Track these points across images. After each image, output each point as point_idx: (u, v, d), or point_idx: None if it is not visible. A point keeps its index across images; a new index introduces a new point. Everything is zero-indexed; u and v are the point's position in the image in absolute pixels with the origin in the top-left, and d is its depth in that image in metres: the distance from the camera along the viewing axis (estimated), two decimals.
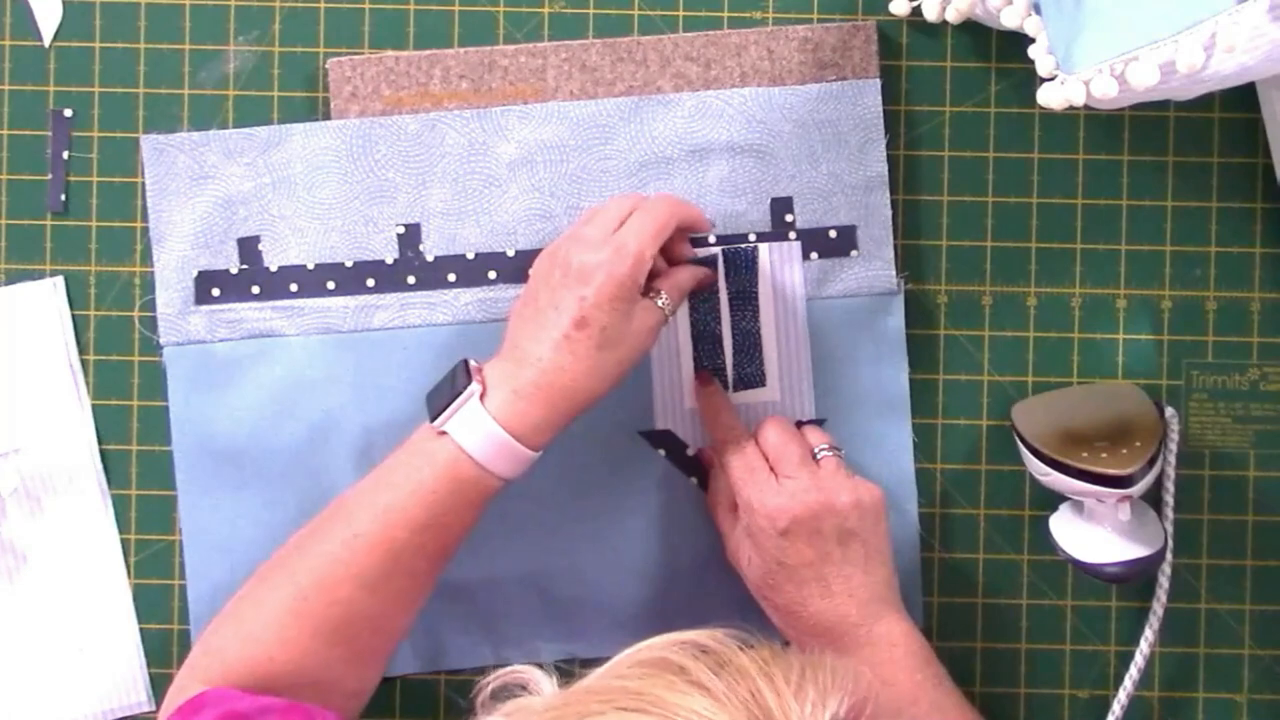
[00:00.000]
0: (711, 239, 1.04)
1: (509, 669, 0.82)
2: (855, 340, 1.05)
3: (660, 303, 0.97)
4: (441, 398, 0.95)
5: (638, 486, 1.05)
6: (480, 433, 0.93)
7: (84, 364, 1.05)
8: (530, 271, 0.99)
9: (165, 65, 1.05)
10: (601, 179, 1.04)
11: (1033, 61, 0.93)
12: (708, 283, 1.03)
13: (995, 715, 1.04)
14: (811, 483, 0.97)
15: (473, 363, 0.96)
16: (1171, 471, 1.02)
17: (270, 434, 1.04)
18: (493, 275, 1.04)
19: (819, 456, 1.00)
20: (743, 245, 1.04)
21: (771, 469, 0.99)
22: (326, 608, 0.93)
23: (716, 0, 1.05)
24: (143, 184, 1.05)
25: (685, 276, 1.01)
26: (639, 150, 1.04)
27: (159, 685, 1.05)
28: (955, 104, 1.05)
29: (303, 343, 1.05)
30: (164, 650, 1.06)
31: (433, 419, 0.95)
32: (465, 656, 1.06)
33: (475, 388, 0.94)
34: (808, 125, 1.04)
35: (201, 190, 1.05)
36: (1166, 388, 1.05)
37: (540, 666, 0.80)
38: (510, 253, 1.04)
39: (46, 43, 1.05)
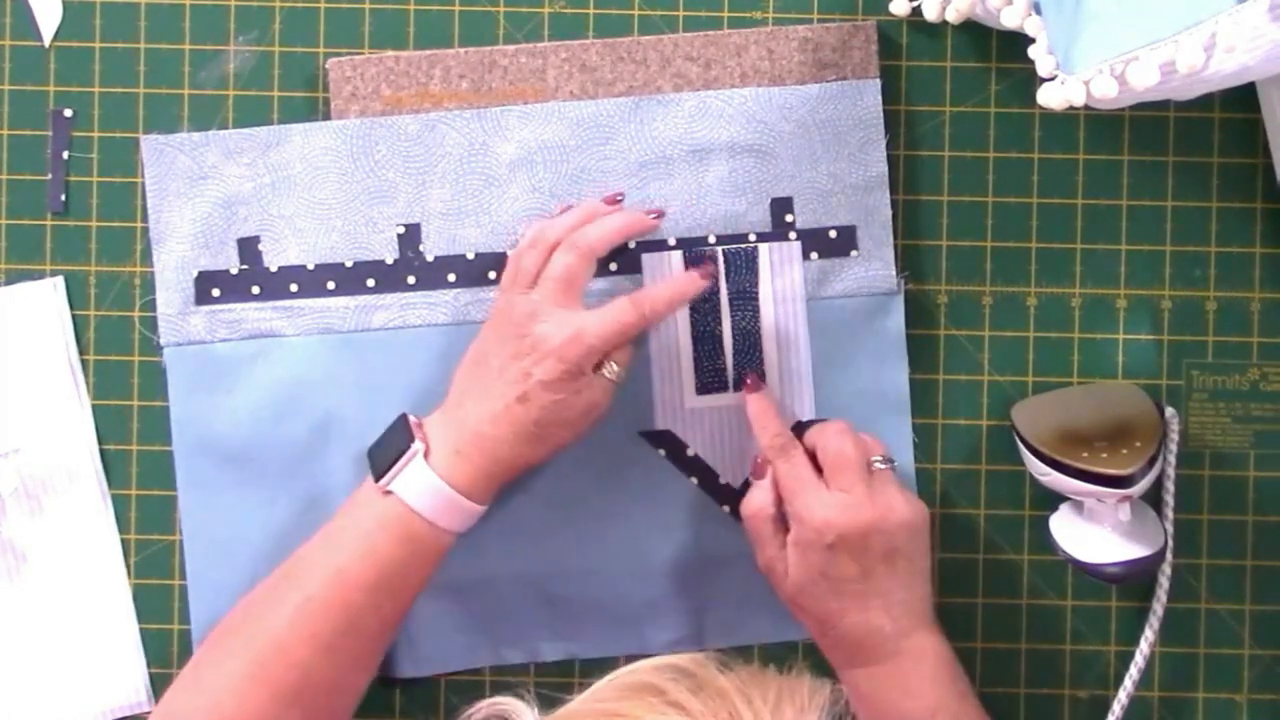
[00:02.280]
0: (712, 239, 1.04)
1: (490, 701, 0.82)
2: (855, 340, 1.05)
3: (608, 373, 0.98)
4: (385, 455, 0.96)
5: (638, 486, 1.05)
6: (428, 490, 0.95)
7: (84, 364, 1.05)
8: (486, 323, 1.00)
9: (165, 65, 1.05)
10: (601, 179, 1.04)
11: (1033, 61, 0.93)
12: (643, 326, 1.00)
13: (995, 715, 1.04)
14: (865, 498, 0.96)
15: (412, 418, 0.97)
16: (1171, 471, 1.02)
17: (270, 434, 1.04)
18: (493, 275, 1.04)
19: (874, 469, 0.98)
20: (743, 245, 1.04)
21: (823, 477, 0.98)
22: (284, 672, 0.94)
23: (716, 0, 1.05)
24: (143, 184, 1.05)
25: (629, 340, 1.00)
26: (639, 150, 1.04)
27: (159, 685, 1.05)
28: (955, 104, 1.05)
29: (303, 343, 1.05)
30: (164, 650, 1.06)
31: (377, 477, 0.96)
32: (465, 657, 1.06)
33: (419, 446, 0.95)
34: (808, 125, 1.04)
35: (201, 190, 1.05)
36: (1166, 388, 1.05)
37: (522, 698, 0.81)
38: (510, 253, 1.04)
39: (46, 43, 1.05)
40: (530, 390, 0.95)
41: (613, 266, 1.04)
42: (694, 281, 1.01)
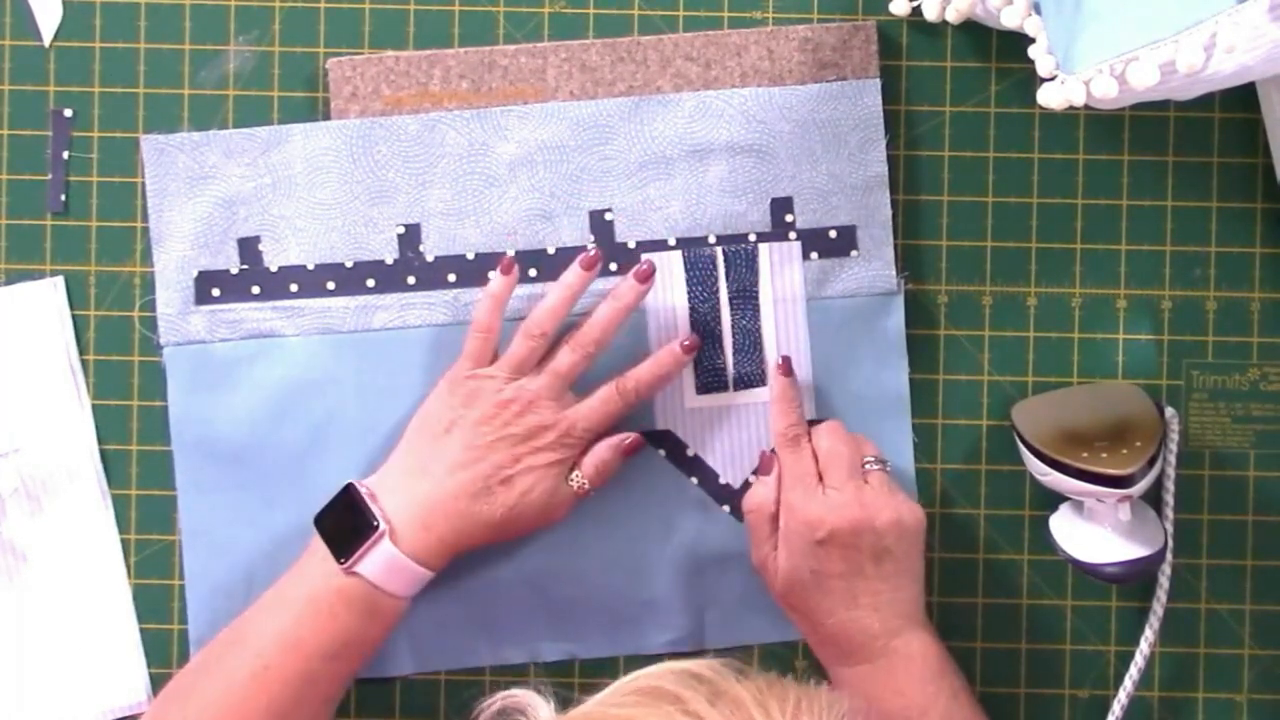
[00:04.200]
0: (712, 239, 1.04)
1: (507, 693, 0.82)
2: (855, 340, 1.05)
3: (574, 482, 1.00)
4: (342, 533, 0.96)
5: (638, 486, 1.05)
6: (394, 567, 0.96)
7: (84, 364, 1.05)
8: (450, 393, 0.99)
9: (165, 65, 1.05)
10: (601, 179, 1.04)
11: (1033, 61, 0.93)
12: (635, 449, 1.02)
13: (995, 715, 1.04)
14: (855, 497, 0.97)
15: (362, 488, 0.98)
16: (1171, 471, 1.02)
17: (270, 434, 1.04)
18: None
19: (867, 469, 0.99)
20: (743, 245, 1.04)
21: (820, 476, 0.99)
22: None
23: (716, 0, 1.05)
24: (143, 184, 1.05)
25: (606, 455, 1.01)
26: (639, 150, 1.04)
27: (159, 685, 1.05)
28: (955, 104, 1.05)
29: (303, 343, 1.05)
30: (164, 650, 1.05)
31: (336, 555, 0.96)
32: (465, 656, 1.06)
33: (384, 527, 0.96)
34: (808, 125, 1.04)
35: (201, 190, 1.05)
36: (1166, 388, 1.05)
37: (539, 691, 0.81)
38: (510, 253, 1.04)
39: (46, 43, 1.05)
40: (517, 475, 0.97)
41: (613, 267, 1.04)
42: (675, 357, 1.02)
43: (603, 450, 1.01)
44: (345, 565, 0.95)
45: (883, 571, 0.97)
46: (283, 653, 0.95)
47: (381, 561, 0.96)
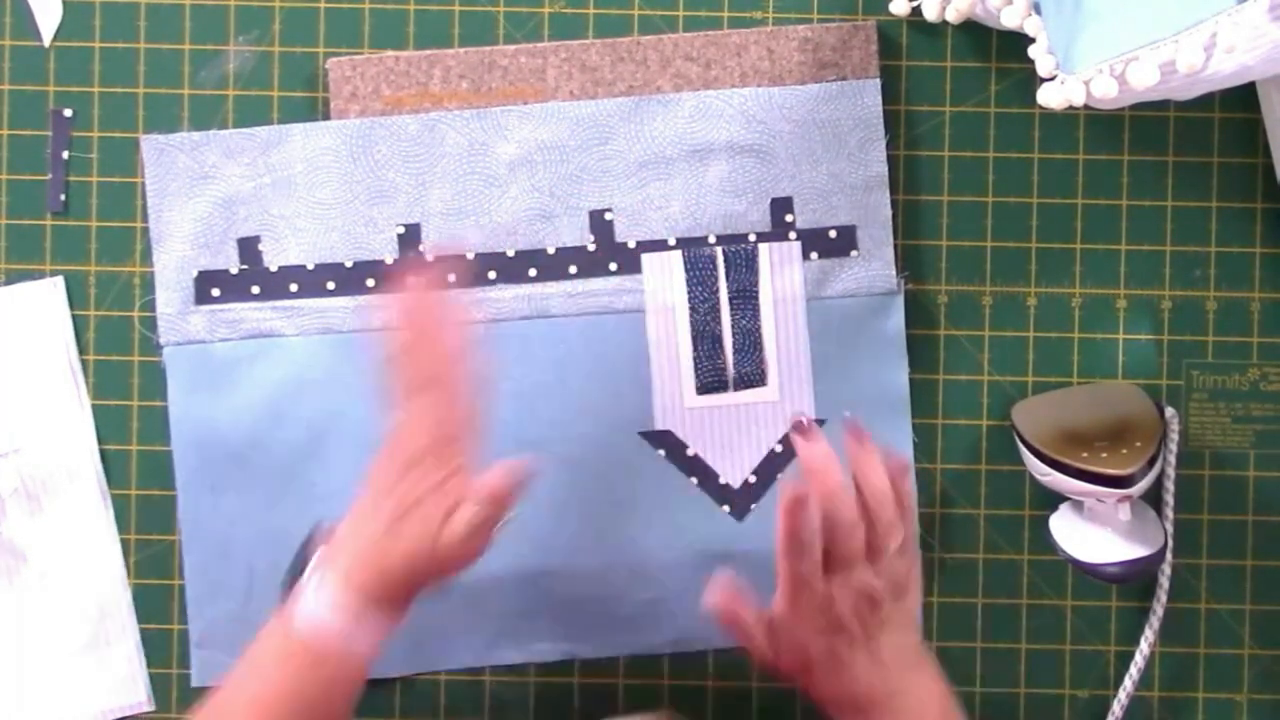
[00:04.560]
0: (712, 239, 1.04)
1: None
2: (855, 340, 1.05)
3: (466, 512, 0.90)
4: (291, 578, 0.92)
5: (638, 486, 1.05)
6: (321, 613, 0.89)
7: (84, 364, 1.05)
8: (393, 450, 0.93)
9: (165, 65, 1.05)
10: (601, 179, 1.04)
11: (1033, 61, 0.93)
12: (530, 474, 0.93)
13: (995, 715, 1.04)
14: (858, 598, 0.91)
15: (326, 525, 0.92)
16: (1171, 471, 1.02)
17: (270, 434, 1.04)
18: (493, 275, 1.04)
19: (883, 542, 0.91)
20: (743, 245, 1.04)
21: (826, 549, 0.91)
22: None
23: (716, 0, 1.05)
24: (143, 184, 1.05)
25: (499, 480, 0.91)
26: (639, 150, 1.04)
27: (159, 685, 1.05)
28: (955, 104, 1.05)
29: (302, 343, 1.05)
30: (164, 650, 1.06)
31: (284, 599, 0.91)
32: (465, 656, 1.06)
33: (312, 572, 0.90)
34: (808, 125, 1.04)
35: (201, 190, 1.05)
36: (1166, 388, 1.05)
37: None
38: (510, 253, 1.04)
39: (46, 43, 1.05)
40: (410, 510, 0.90)
41: (613, 266, 1.04)
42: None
43: (496, 476, 0.92)
44: (286, 616, 0.90)
45: (884, 639, 0.93)
46: (249, 716, 0.89)
47: (312, 608, 0.89)
